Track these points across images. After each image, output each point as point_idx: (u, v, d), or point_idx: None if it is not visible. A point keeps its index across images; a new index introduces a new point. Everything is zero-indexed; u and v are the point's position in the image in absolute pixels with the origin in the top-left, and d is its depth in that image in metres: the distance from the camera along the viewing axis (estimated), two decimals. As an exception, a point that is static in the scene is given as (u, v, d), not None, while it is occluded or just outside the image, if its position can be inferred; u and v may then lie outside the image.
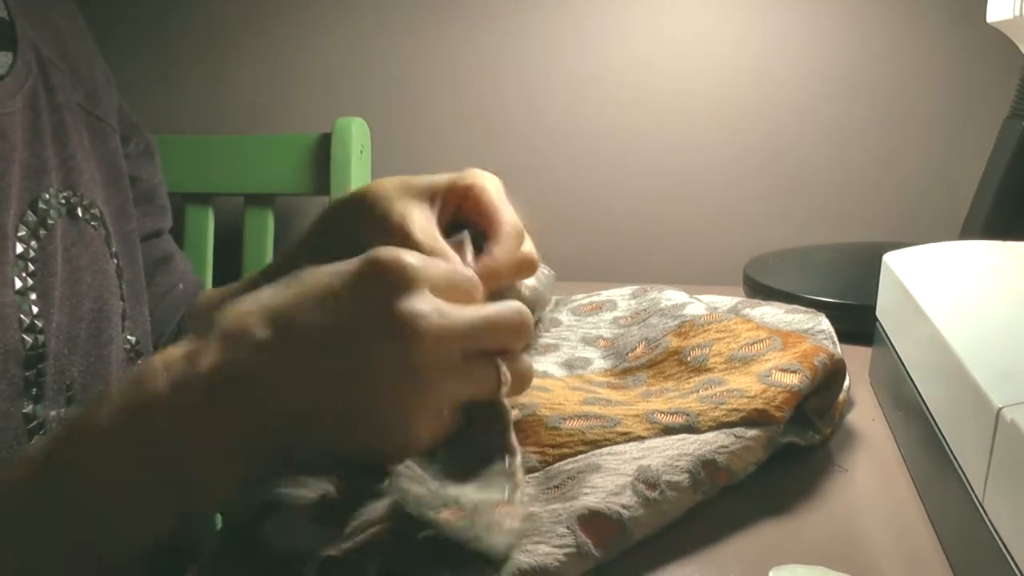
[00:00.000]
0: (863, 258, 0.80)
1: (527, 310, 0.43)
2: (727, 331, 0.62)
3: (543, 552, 0.42)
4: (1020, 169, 0.81)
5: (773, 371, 0.55)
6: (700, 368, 0.60)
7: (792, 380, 0.54)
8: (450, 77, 1.09)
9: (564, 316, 0.73)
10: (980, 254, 0.61)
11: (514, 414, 0.46)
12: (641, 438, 0.51)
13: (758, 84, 1.03)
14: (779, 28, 1.01)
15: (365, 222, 0.48)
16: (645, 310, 0.69)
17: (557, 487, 0.48)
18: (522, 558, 0.42)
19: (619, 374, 0.63)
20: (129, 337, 0.60)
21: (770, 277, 0.85)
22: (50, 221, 0.53)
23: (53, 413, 0.51)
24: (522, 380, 0.44)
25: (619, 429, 0.51)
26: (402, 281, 0.39)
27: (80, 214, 0.56)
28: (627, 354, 0.65)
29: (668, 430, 0.52)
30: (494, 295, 0.49)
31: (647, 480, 0.47)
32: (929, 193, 1.02)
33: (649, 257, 1.10)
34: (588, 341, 0.69)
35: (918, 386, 0.52)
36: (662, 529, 0.47)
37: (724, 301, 0.70)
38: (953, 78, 0.99)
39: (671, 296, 0.70)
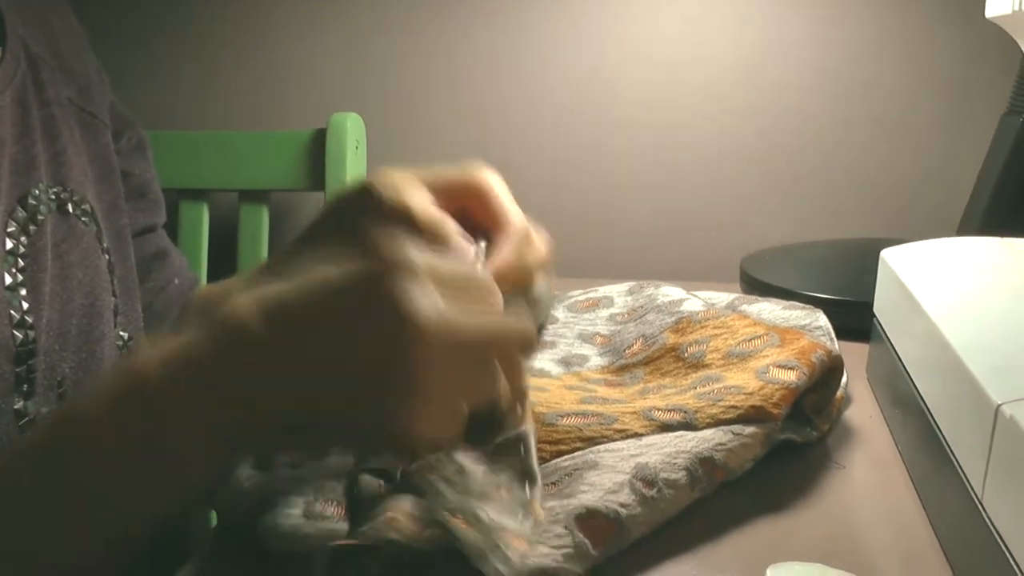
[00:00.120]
0: (860, 254, 0.79)
1: (533, 332, 0.42)
2: (724, 327, 0.62)
3: (542, 552, 0.42)
4: (1018, 165, 0.80)
5: (771, 367, 0.55)
6: (697, 364, 0.59)
7: (790, 377, 0.54)
8: (446, 72, 1.09)
9: (560, 313, 0.73)
10: (978, 250, 0.61)
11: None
12: (638, 435, 0.51)
13: (755, 80, 1.03)
14: (775, 23, 1.01)
15: (369, 211, 0.47)
16: (642, 307, 0.69)
17: (554, 484, 0.47)
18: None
19: (616, 371, 0.63)
20: (121, 333, 0.60)
21: (767, 273, 0.85)
22: (40, 217, 0.53)
23: (44, 409, 0.51)
24: (519, 396, 0.43)
25: (616, 426, 0.51)
26: (402, 271, 0.38)
27: (70, 210, 0.56)
28: (624, 351, 0.65)
29: (666, 427, 0.51)
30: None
31: (645, 478, 0.47)
32: (926, 189, 1.02)
33: (646, 253, 1.10)
34: (585, 338, 0.69)
35: (916, 382, 0.52)
36: (660, 527, 0.47)
37: (721, 297, 0.70)
38: (951, 73, 0.99)
39: (668, 292, 0.70)
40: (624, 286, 0.74)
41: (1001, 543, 0.37)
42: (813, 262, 0.91)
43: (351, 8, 1.09)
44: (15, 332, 0.49)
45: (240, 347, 0.38)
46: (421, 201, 0.47)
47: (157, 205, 0.71)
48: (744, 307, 0.66)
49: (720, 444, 0.50)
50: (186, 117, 1.16)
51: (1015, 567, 0.36)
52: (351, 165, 1.02)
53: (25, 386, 0.50)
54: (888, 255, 0.62)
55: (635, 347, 0.64)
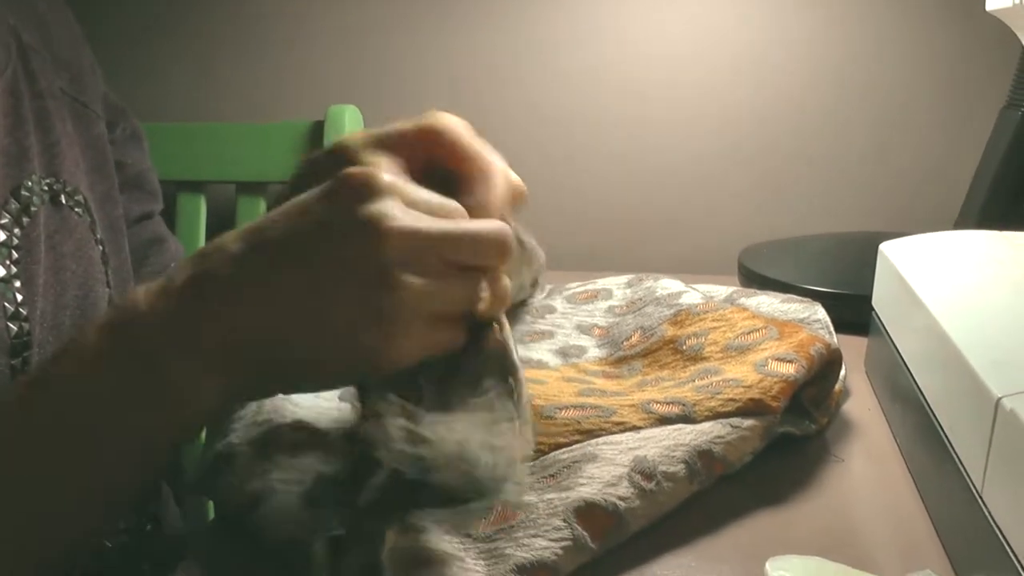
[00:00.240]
0: (859, 247, 0.79)
1: (509, 230, 0.42)
2: (723, 320, 0.62)
3: (540, 546, 0.42)
4: (1017, 158, 0.80)
5: (769, 360, 0.55)
6: (696, 357, 0.59)
7: (788, 370, 0.54)
8: (444, 65, 1.08)
9: (559, 303, 0.73)
10: (976, 243, 0.61)
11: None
12: (637, 428, 0.51)
13: (754, 73, 1.02)
14: (773, 17, 1.00)
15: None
16: (641, 299, 0.69)
17: (553, 476, 0.47)
18: (519, 552, 0.42)
19: (614, 363, 0.63)
20: None
21: (766, 266, 0.85)
22: (33, 208, 0.52)
23: None
24: (501, 301, 0.43)
25: (615, 419, 0.51)
26: (371, 188, 0.39)
27: (64, 201, 0.55)
28: (622, 343, 0.65)
29: (664, 420, 0.51)
30: None
31: (643, 471, 0.47)
32: (925, 182, 1.02)
33: (644, 246, 1.10)
34: (583, 329, 0.68)
35: (915, 376, 0.52)
36: (659, 520, 0.47)
37: (719, 290, 0.70)
38: (950, 67, 0.99)
39: (667, 285, 0.69)
40: (623, 278, 0.74)
41: (1000, 536, 0.37)
42: (812, 255, 0.91)
43: (349, 0, 1.08)
44: (9, 324, 0.49)
45: (217, 263, 0.40)
46: (391, 169, 0.47)
47: (154, 194, 0.71)
48: (743, 300, 0.66)
49: (719, 437, 0.50)
50: (184, 109, 1.15)
51: (1014, 560, 0.36)
52: (348, 157, 1.02)
53: None
54: (887, 248, 0.62)
55: (633, 339, 0.64)
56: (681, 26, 1.02)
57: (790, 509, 0.49)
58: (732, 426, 0.51)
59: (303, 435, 0.51)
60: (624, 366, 0.62)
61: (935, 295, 0.51)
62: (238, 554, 0.47)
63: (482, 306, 0.42)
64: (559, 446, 0.50)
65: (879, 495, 0.51)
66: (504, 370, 0.42)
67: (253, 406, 0.54)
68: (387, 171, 0.44)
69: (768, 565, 0.41)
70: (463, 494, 0.39)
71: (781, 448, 0.53)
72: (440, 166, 0.47)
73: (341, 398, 0.56)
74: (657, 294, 0.68)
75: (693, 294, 0.67)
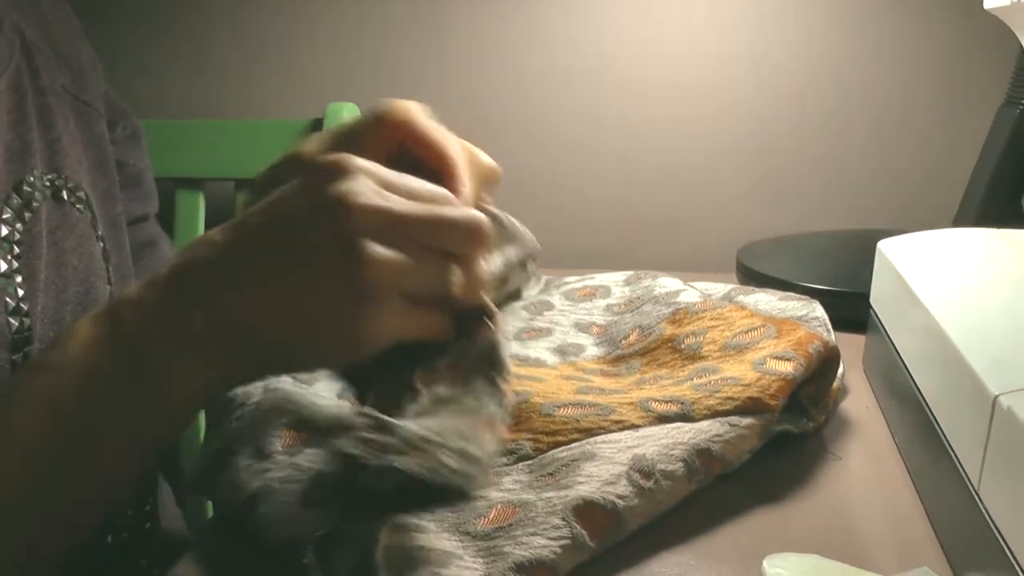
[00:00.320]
0: (857, 245, 0.79)
1: (483, 219, 0.42)
2: (721, 319, 0.62)
3: (539, 544, 0.42)
4: (1015, 156, 0.80)
5: (767, 359, 0.55)
6: (694, 356, 0.59)
7: (786, 368, 0.54)
8: (443, 63, 1.08)
9: (556, 299, 0.73)
10: (975, 241, 0.61)
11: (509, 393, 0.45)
12: (635, 426, 0.51)
13: (752, 72, 1.02)
14: (772, 16, 1.00)
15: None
16: (639, 297, 0.69)
17: (551, 474, 0.47)
18: (518, 551, 0.42)
19: (612, 361, 0.63)
20: None
21: (764, 264, 0.85)
22: (35, 204, 0.52)
23: None
24: (476, 285, 0.43)
25: (613, 417, 0.51)
26: (341, 170, 0.40)
27: (65, 197, 0.55)
28: (620, 341, 0.65)
29: (662, 418, 0.51)
30: None
31: (642, 469, 0.47)
32: (924, 180, 1.02)
33: (642, 244, 1.10)
34: (581, 327, 0.68)
35: (913, 374, 0.52)
36: (657, 518, 0.47)
37: (718, 288, 0.70)
38: (948, 65, 0.99)
39: (665, 283, 0.69)
40: (621, 275, 0.74)
41: (997, 534, 0.37)
42: (810, 253, 0.91)
43: (348, -2, 1.08)
44: (10, 319, 0.49)
45: (199, 250, 0.42)
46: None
47: (150, 195, 0.71)
48: (741, 298, 0.66)
49: (717, 435, 0.50)
50: (182, 106, 1.15)
51: (1011, 557, 0.36)
52: (347, 154, 1.02)
53: None
54: (885, 246, 0.62)
55: (631, 338, 0.64)
56: (679, 25, 1.02)
57: (788, 507, 0.49)
58: (730, 424, 0.51)
59: (301, 436, 0.51)
60: (622, 365, 0.62)
61: (933, 293, 0.51)
62: (237, 553, 0.47)
63: (456, 289, 0.42)
64: (558, 444, 0.50)
65: (877, 493, 0.51)
66: (491, 365, 0.43)
67: (251, 405, 0.54)
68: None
69: (766, 563, 0.42)
70: (430, 481, 0.39)
71: (779, 446, 0.54)
72: (405, 155, 0.47)
73: (340, 396, 0.56)
74: (655, 293, 0.68)
75: (691, 292, 0.67)
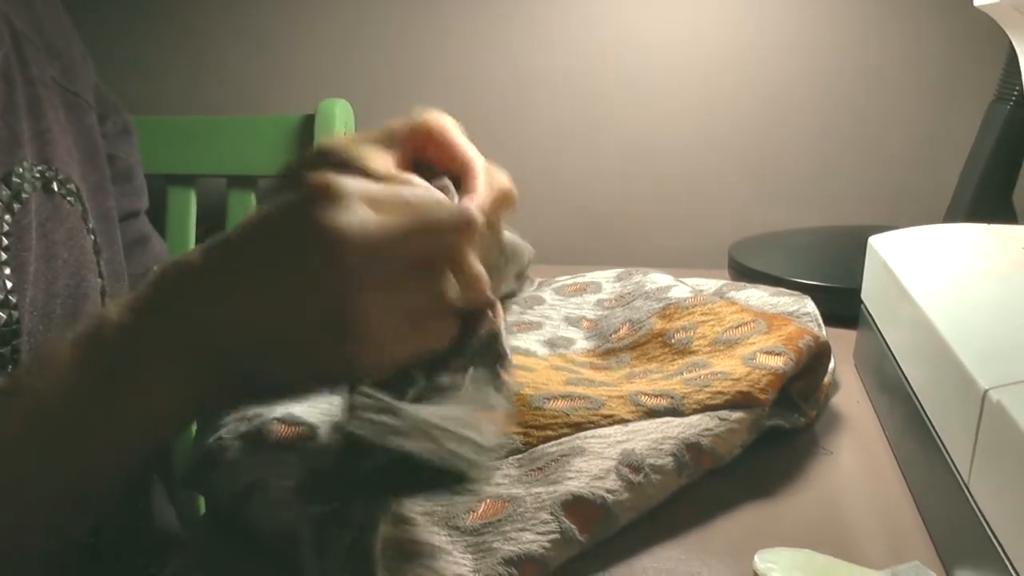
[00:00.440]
0: (848, 241, 0.79)
1: (471, 211, 0.42)
2: (712, 314, 0.62)
3: (528, 539, 0.42)
4: (1005, 152, 0.81)
5: (758, 354, 0.55)
6: (684, 351, 0.59)
7: (777, 363, 0.54)
8: (436, 59, 1.08)
9: (547, 295, 0.73)
10: (965, 237, 0.61)
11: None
12: (625, 421, 0.51)
13: (742, 68, 1.02)
14: (761, 12, 1.00)
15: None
16: (630, 293, 0.69)
17: (540, 469, 0.47)
18: (507, 546, 0.42)
19: (602, 355, 0.63)
20: None
21: (755, 260, 0.85)
22: (24, 195, 0.52)
23: None
24: (473, 284, 0.43)
25: (603, 411, 0.51)
26: (329, 195, 0.39)
27: (55, 188, 0.55)
28: (610, 335, 0.65)
29: (652, 412, 0.51)
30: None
31: (631, 464, 0.47)
32: (914, 176, 1.02)
33: (634, 240, 1.10)
34: (571, 321, 0.68)
35: (903, 368, 0.52)
36: (647, 513, 0.47)
37: (709, 284, 0.70)
38: (938, 61, 0.99)
39: (656, 279, 0.70)
40: (612, 272, 0.74)
41: (987, 527, 0.37)
42: (801, 249, 0.91)
43: (339, -7, 1.08)
44: None
45: (184, 266, 0.41)
46: (381, 163, 0.47)
47: (141, 191, 0.70)
48: (732, 293, 0.66)
49: (707, 430, 0.50)
50: (174, 103, 1.15)
51: (1000, 551, 0.36)
52: (339, 151, 1.01)
53: (10, 367, 0.49)
54: (876, 242, 0.62)
55: (621, 332, 0.64)
56: (670, 22, 1.02)
57: (779, 502, 0.49)
58: (720, 419, 0.51)
59: (294, 429, 0.51)
60: (612, 358, 0.62)
61: (923, 288, 0.51)
62: (230, 549, 0.47)
63: (454, 293, 0.41)
64: (547, 439, 0.50)
65: (868, 487, 0.51)
66: (493, 356, 0.43)
67: None
68: (376, 162, 0.44)
69: (757, 558, 0.42)
70: (431, 466, 0.39)
71: (770, 441, 0.54)
72: (428, 163, 0.48)
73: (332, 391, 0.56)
74: (646, 288, 0.68)
75: (682, 288, 0.67)
